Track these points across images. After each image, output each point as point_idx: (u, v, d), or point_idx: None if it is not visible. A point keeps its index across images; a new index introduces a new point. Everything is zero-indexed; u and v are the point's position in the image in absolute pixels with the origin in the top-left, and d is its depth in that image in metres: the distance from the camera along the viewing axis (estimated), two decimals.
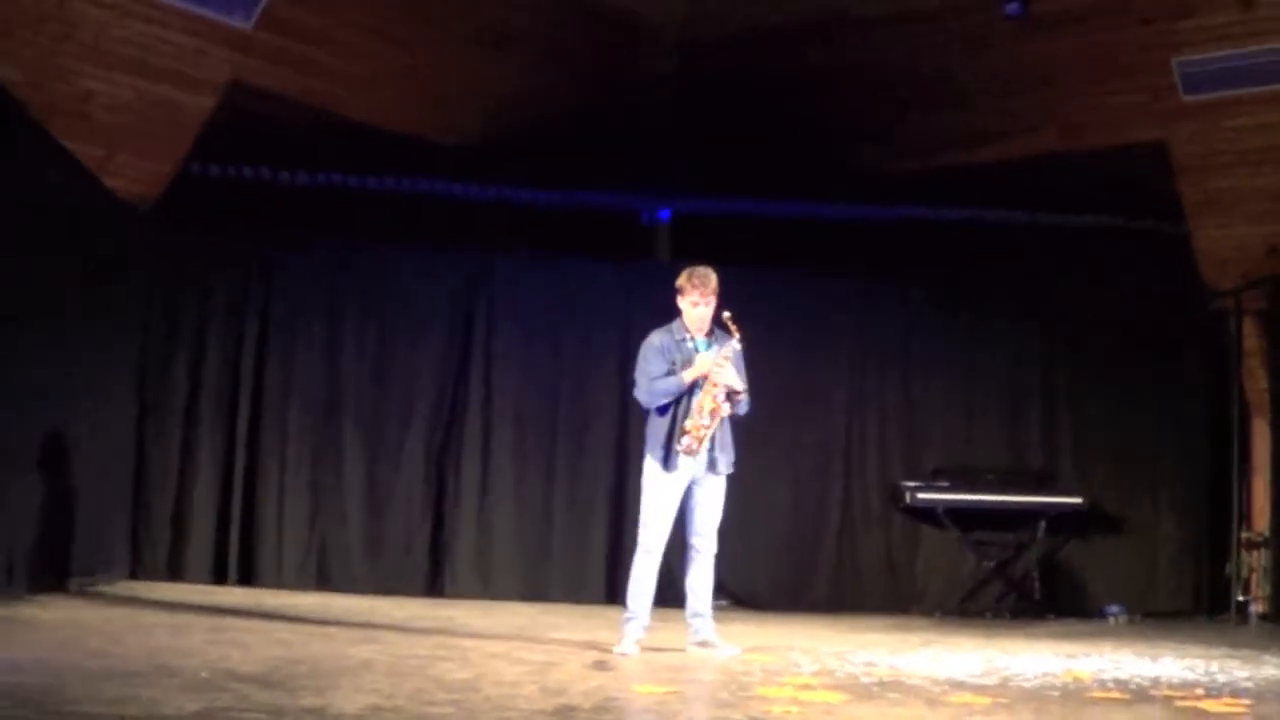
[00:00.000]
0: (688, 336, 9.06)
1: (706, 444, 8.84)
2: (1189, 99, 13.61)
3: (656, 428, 9.00)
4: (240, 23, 12.55)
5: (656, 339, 9.11)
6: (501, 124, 14.54)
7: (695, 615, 9.07)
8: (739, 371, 9.03)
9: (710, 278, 9.00)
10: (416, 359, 14.23)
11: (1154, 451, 14.63)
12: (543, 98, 14.51)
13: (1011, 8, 13.45)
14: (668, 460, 8.88)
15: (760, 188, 14.35)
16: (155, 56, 12.33)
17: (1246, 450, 14.65)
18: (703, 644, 8.99)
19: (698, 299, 8.97)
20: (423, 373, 14.24)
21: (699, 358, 8.90)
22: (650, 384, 9.03)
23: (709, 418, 8.81)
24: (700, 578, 9.07)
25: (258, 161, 13.85)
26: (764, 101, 14.71)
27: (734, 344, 8.97)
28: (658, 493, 8.94)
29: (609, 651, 8.73)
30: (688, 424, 8.80)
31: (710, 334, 9.06)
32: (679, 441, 8.80)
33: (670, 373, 8.95)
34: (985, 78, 14.39)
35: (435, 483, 14.15)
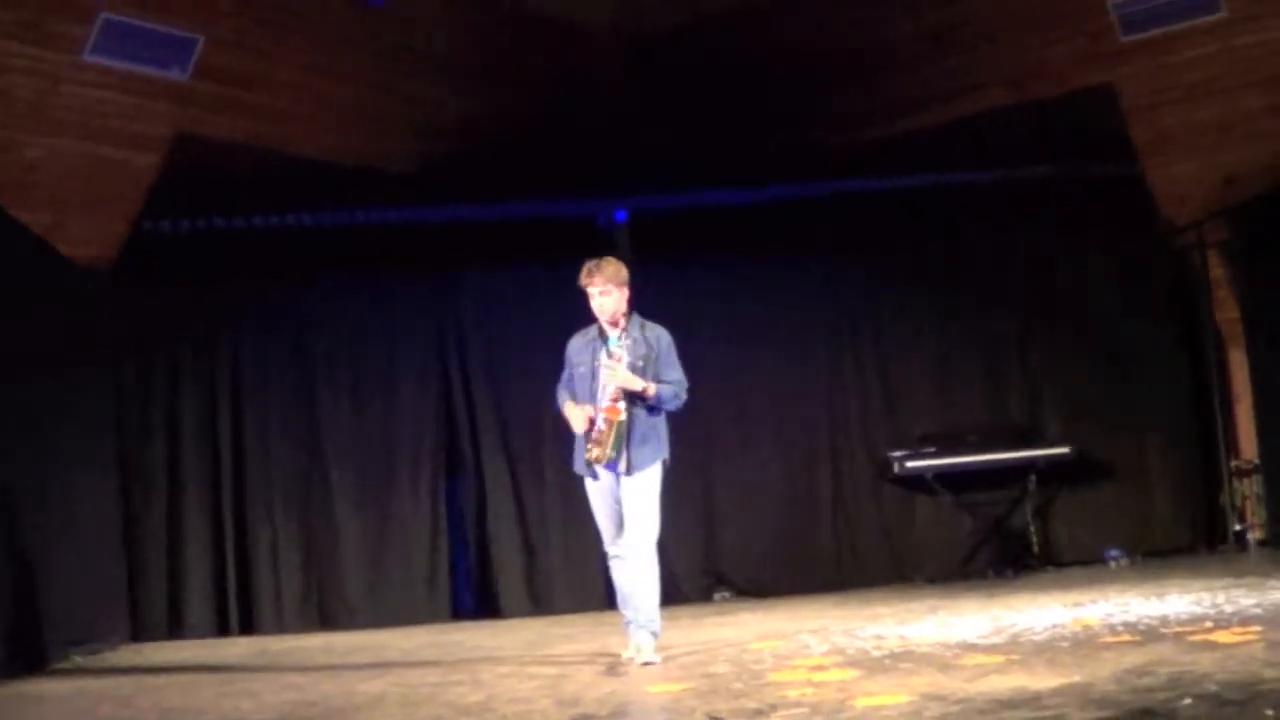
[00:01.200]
0: (597, 334, 8.80)
1: (611, 448, 8.48)
2: (1129, 39, 13.65)
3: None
4: (177, 75, 12.52)
5: (571, 342, 8.98)
6: (449, 144, 14.54)
7: (627, 624, 8.73)
8: (664, 363, 8.70)
9: (602, 266, 8.67)
10: (394, 388, 14.21)
11: (1134, 392, 14.62)
12: (486, 114, 14.51)
13: None
14: (579, 465, 8.73)
15: (714, 177, 14.36)
16: (96, 118, 12.30)
17: (1225, 380, 14.69)
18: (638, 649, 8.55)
19: (591, 290, 8.67)
20: (402, 400, 14.21)
21: (568, 410, 8.70)
22: (557, 393, 8.98)
23: (602, 424, 8.49)
24: (622, 584, 8.72)
25: (211, 211, 13.80)
26: (707, 91, 14.72)
27: (617, 343, 8.62)
28: (590, 499, 8.80)
29: (618, 657, 8.67)
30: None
31: (624, 327, 8.71)
32: (587, 450, 8.60)
33: (572, 376, 8.85)
34: (927, 40, 14.41)
35: (428, 508, 14.12)
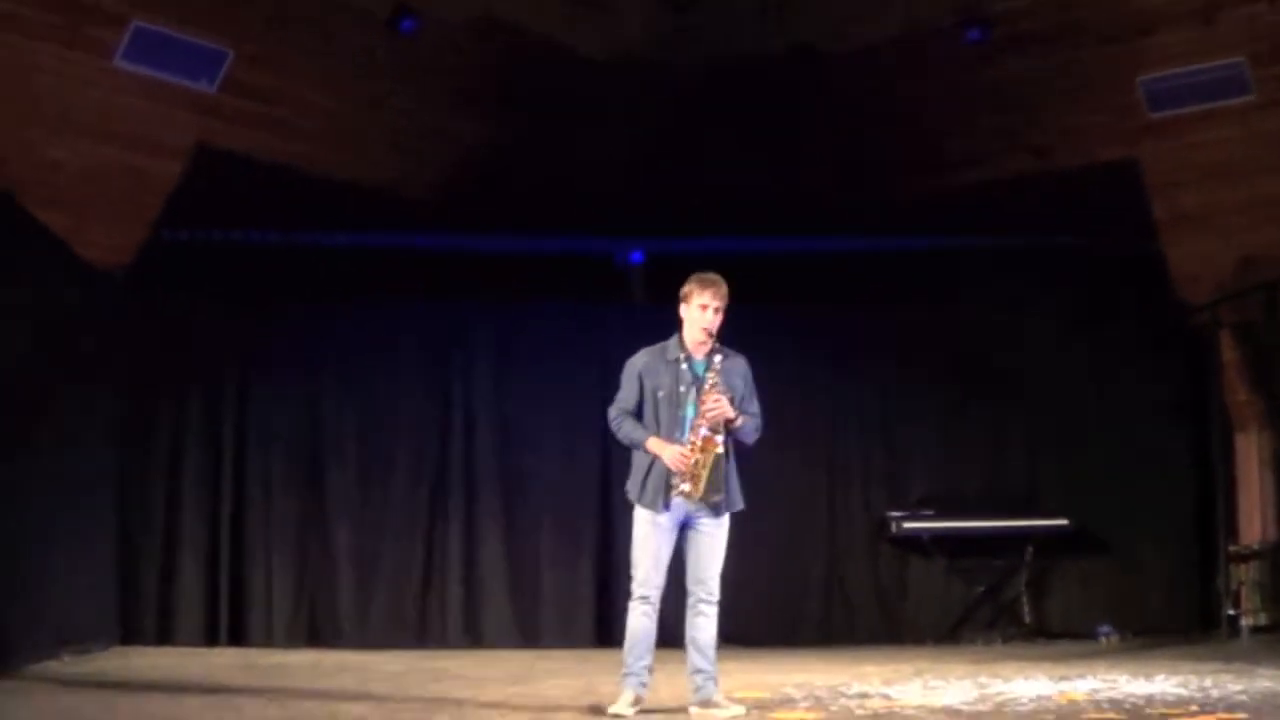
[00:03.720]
0: (682, 356, 8.29)
1: (705, 483, 8.05)
2: (1155, 116, 13.67)
3: (637, 463, 8.30)
4: (204, 86, 12.57)
5: (640, 360, 8.37)
6: (469, 173, 14.55)
7: (697, 671, 8.33)
8: (746, 394, 8.40)
9: (719, 281, 8.38)
10: (397, 414, 14.20)
11: (1137, 469, 14.57)
12: (508, 145, 14.53)
13: (973, 34, 13.50)
14: (652, 501, 8.11)
15: (731, 224, 14.36)
16: (120, 124, 12.34)
17: (1229, 463, 14.65)
18: (704, 704, 8.23)
19: (707, 300, 8.28)
20: (404, 426, 14.20)
21: (666, 449, 8.10)
22: (617, 415, 8.37)
23: (700, 455, 8.02)
24: (701, 631, 8.37)
25: (228, 224, 13.79)
26: (731, 138, 14.73)
27: (716, 364, 8.19)
28: (642, 534, 8.18)
29: (603, 712, 8.27)
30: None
31: (711, 353, 8.26)
32: (674, 482, 8.05)
33: (644, 399, 8.28)
34: (954, 104, 14.43)
35: (423, 535, 14.10)
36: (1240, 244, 14.09)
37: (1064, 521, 14.21)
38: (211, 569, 13.72)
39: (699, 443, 8.06)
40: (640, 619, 8.23)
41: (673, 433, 8.15)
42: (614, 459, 13.62)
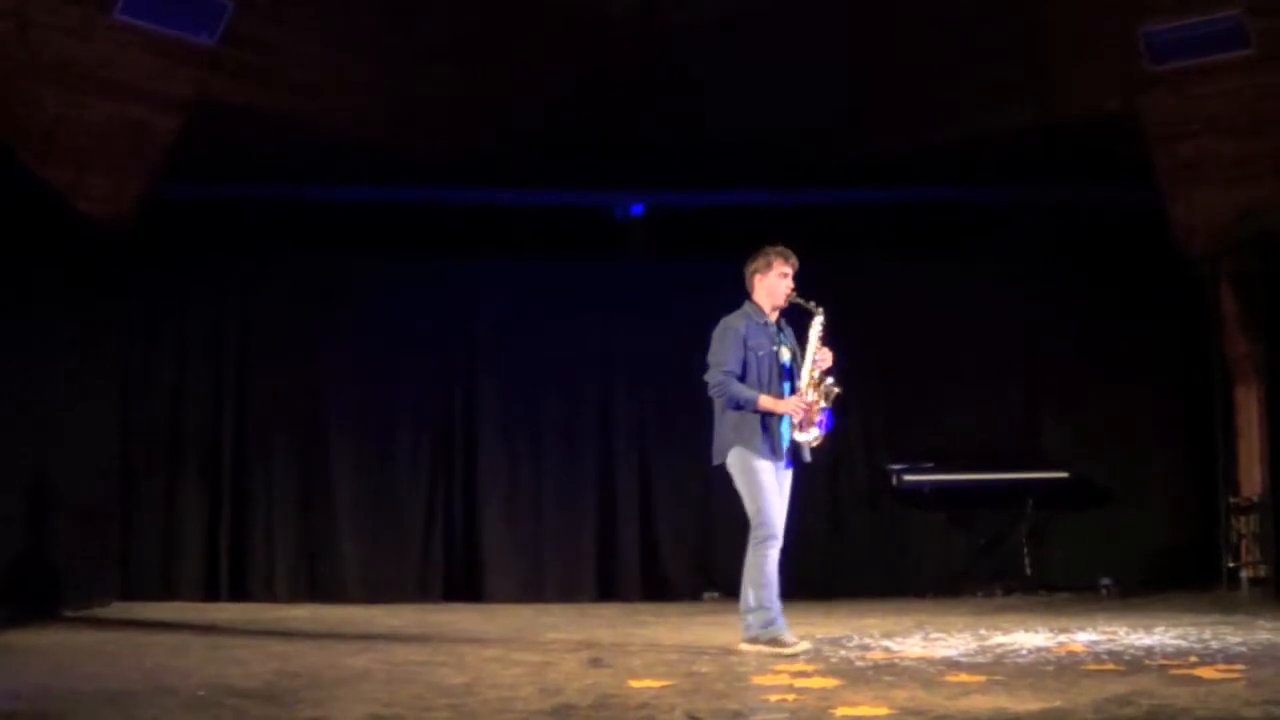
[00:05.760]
0: (766, 320, 8.94)
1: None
2: (1157, 68, 13.63)
3: (745, 422, 8.74)
4: (204, 40, 12.53)
5: (739, 324, 8.91)
6: (470, 128, 14.52)
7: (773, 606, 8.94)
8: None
9: (792, 252, 9.02)
10: (398, 368, 14.23)
11: (1137, 421, 14.61)
12: (510, 99, 14.49)
13: None
14: (773, 453, 8.72)
15: (731, 177, 14.34)
16: (121, 77, 12.31)
17: (1230, 416, 14.66)
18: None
19: (788, 270, 8.98)
20: (406, 380, 14.25)
21: (782, 402, 8.71)
22: (724, 379, 8.75)
23: (821, 398, 8.73)
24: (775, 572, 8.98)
25: (229, 177, 13.81)
26: (732, 89, 14.69)
27: (820, 321, 8.92)
28: (766, 484, 8.76)
29: (603, 665, 8.42)
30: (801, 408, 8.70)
31: (778, 318, 8.95)
32: (796, 428, 8.68)
33: (747, 361, 8.79)
34: (954, 54, 14.36)
35: (424, 489, 14.15)
36: (1240, 196, 14.06)
37: (1064, 474, 14.25)
38: (213, 523, 13.78)
39: (819, 385, 8.74)
40: (774, 562, 8.95)
41: (773, 388, 8.77)
42: (615, 413, 13.67)
